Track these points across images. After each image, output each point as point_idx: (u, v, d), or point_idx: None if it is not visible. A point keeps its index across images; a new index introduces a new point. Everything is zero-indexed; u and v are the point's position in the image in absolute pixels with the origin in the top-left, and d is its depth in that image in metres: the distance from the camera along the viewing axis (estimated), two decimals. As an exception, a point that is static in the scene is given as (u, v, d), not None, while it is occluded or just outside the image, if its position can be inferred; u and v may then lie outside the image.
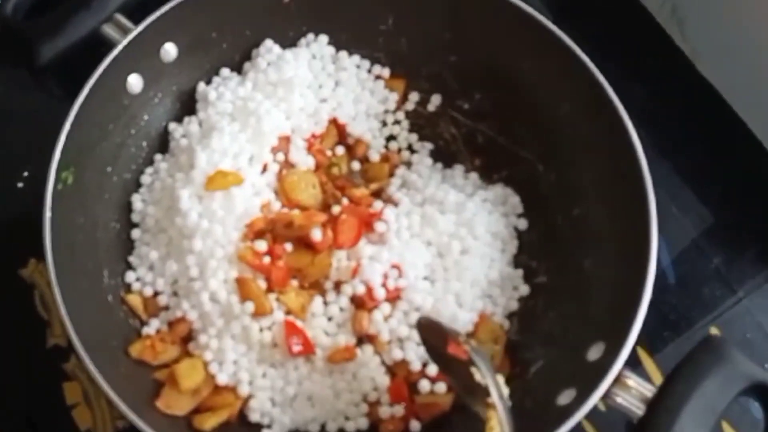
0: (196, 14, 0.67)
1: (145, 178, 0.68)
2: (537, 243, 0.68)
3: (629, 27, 0.83)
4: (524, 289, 0.66)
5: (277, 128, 0.67)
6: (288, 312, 0.62)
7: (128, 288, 0.65)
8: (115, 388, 0.55)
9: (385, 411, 0.62)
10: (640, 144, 0.62)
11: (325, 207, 0.67)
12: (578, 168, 0.67)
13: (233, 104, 0.68)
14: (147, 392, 0.60)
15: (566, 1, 0.84)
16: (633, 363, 0.68)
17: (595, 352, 0.58)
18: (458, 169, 0.71)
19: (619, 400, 0.56)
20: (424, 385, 0.62)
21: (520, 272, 0.67)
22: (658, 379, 0.67)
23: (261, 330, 0.62)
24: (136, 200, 0.68)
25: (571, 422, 0.55)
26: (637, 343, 0.68)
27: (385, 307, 0.63)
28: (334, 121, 0.71)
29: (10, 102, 0.76)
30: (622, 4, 0.83)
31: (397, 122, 0.73)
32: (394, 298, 0.63)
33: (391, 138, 0.73)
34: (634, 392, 0.56)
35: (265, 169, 0.67)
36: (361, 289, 0.62)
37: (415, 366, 0.62)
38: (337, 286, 0.64)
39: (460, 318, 0.63)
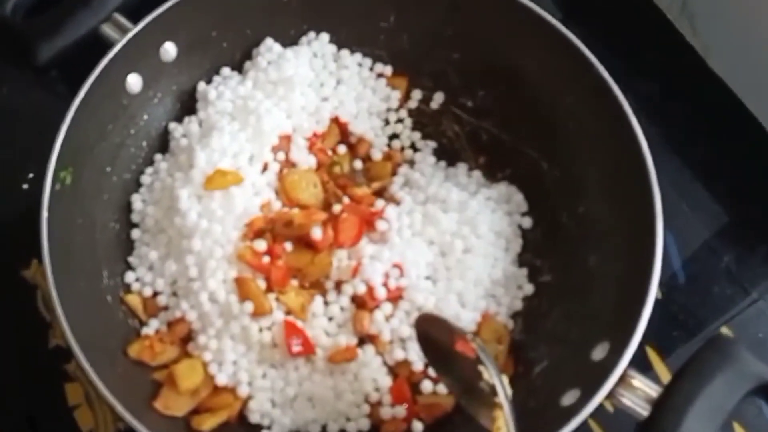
0: (196, 13, 0.67)
1: (145, 178, 0.68)
2: (542, 241, 0.67)
3: (639, 23, 0.82)
4: (529, 289, 0.65)
5: (278, 127, 0.67)
6: (288, 312, 0.62)
7: (127, 288, 0.65)
8: (112, 389, 0.55)
9: (386, 412, 0.61)
10: (644, 139, 0.61)
11: (327, 206, 0.66)
12: (583, 165, 0.66)
13: (233, 103, 0.68)
14: (145, 393, 0.60)
15: (576, -1, 0.83)
16: (643, 364, 0.67)
17: (599, 352, 0.57)
18: (461, 168, 0.70)
19: (624, 400, 0.55)
20: (427, 385, 0.61)
21: (524, 271, 0.66)
22: (668, 380, 0.66)
23: (260, 330, 0.61)
24: (136, 200, 0.67)
25: (575, 422, 0.54)
26: (647, 343, 0.68)
27: (387, 307, 0.62)
28: (335, 120, 0.70)
29: (15, 103, 0.77)
30: (632, 0, 0.82)
31: (399, 120, 0.72)
32: (395, 297, 0.62)
33: (393, 136, 0.72)
34: (639, 393, 0.55)
35: (265, 168, 0.66)
36: (362, 289, 0.62)
37: (417, 366, 0.61)
38: (338, 285, 0.63)
39: (462, 318, 0.62)
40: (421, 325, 0.60)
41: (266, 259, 0.62)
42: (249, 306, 0.61)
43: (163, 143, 0.70)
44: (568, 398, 0.56)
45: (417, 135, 0.72)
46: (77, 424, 0.65)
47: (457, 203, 0.66)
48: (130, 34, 0.64)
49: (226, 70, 0.71)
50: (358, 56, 0.72)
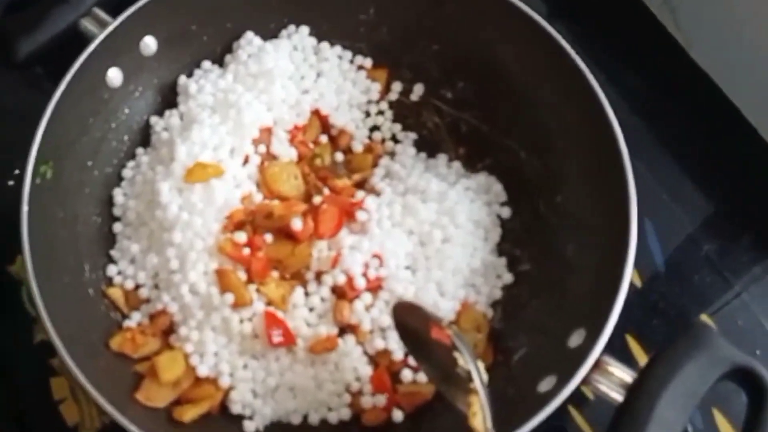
0: (176, 7, 0.67)
1: (127, 172, 0.68)
2: (520, 231, 0.67)
3: (622, 16, 0.82)
4: (508, 278, 0.66)
5: (258, 120, 0.67)
6: (269, 303, 0.62)
7: (109, 281, 0.65)
8: (94, 382, 0.55)
9: (367, 401, 0.61)
10: (620, 131, 0.61)
11: (308, 198, 0.66)
12: (561, 155, 0.66)
13: (214, 96, 0.68)
14: (127, 385, 0.60)
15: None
16: (623, 353, 0.68)
17: (576, 339, 0.58)
18: (442, 159, 0.71)
19: (600, 386, 0.56)
20: (407, 374, 0.62)
21: (503, 260, 0.66)
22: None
23: (241, 321, 0.62)
24: (118, 194, 0.68)
25: (550, 408, 0.54)
26: (626, 331, 0.69)
27: (367, 297, 0.62)
28: (316, 113, 0.70)
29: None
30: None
31: (380, 112, 0.73)
32: (375, 287, 0.63)
33: (374, 128, 0.72)
34: (615, 378, 0.55)
35: (246, 161, 0.67)
36: (342, 279, 0.62)
37: (398, 355, 0.62)
38: (318, 276, 0.63)
39: (441, 307, 0.63)
40: (398, 313, 0.60)
41: (247, 251, 0.63)
42: (230, 297, 0.61)
43: (144, 137, 0.70)
44: (545, 385, 0.57)
45: (398, 127, 0.72)
46: (63, 418, 0.65)
47: (436, 193, 0.66)
48: (109, 29, 0.65)
49: (206, 64, 0.71)
50: (338, 49, 0.72)
